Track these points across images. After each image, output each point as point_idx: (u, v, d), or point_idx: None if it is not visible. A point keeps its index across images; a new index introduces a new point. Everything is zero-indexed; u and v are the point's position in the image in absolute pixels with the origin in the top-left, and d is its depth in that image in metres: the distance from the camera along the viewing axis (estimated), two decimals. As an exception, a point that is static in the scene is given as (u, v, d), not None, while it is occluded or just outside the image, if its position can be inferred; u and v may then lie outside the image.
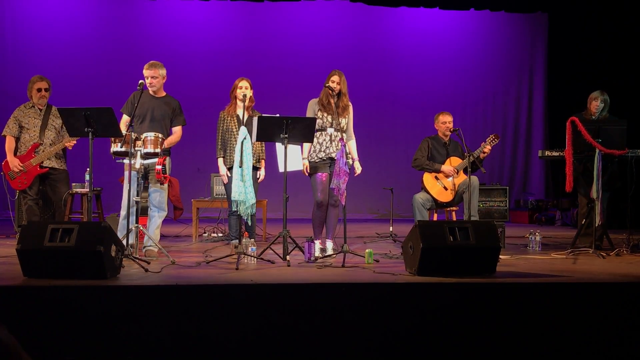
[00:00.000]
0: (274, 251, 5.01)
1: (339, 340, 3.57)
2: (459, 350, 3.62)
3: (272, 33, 11.25)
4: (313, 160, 5.44)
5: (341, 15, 11.43)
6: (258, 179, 5.89)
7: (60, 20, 10.73)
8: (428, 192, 6.20)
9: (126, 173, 5.22)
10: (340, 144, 5.15)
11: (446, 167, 6.20)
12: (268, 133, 5.05)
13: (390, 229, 7.37)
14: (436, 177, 6.23)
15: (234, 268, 4.46)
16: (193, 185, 9.29)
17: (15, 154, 5.89)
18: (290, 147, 5.17)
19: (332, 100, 5.43)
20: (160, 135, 5.08)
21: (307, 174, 5.51)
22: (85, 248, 3.79)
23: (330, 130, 5.43)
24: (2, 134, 5.97)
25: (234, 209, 5.02)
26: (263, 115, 5.50)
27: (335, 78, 5.43)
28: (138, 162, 4.93)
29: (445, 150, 6.34)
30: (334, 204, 5.45)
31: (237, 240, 5.57)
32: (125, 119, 5.33)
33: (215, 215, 7.78)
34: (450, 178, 6.20)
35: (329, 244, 5.39)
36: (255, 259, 4.87)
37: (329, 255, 5.13)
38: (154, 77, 5.34)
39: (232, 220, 6.00)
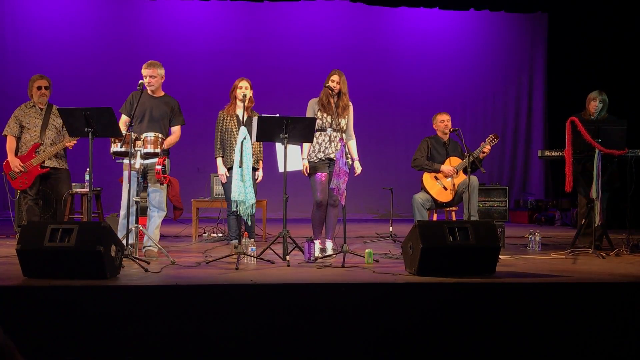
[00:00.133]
0: (274, 251, 5.01)
1: (339, 340, 3.57)
2: (458, 350, 3.62)
3: (272, 33, 11.25)
4: (312, 160, 5.45)
5: (341, 15, 11.43)
6: (256, 179, 5.88)
7: (60, 20, 10.73)
8: (428, 192, 6.20)
9: (125, 173, 5.22)
10: (340, 144, 5.15)
11: (446, 167, 6.20)
12: (268, 133, 5.05)
13: (390, 229, 7.37)
14: (436, 177, 6.24)
15: (233, 268, 4.46)
16: (193, 185, 9.29)
17: (16, 154, 5.89)
18: (290, 147, 5.17)
19: (332, 100, 5.43)
20: (160, 135, 5.08)
21: (306, 174, 5.51)
22: (85, 248, 3.79)
23: (329, 131, 5.43)
24: (3, 134, 5.97)
25: (233, 209, 5.02)
26: (263, 115, 5.50)
27: (335, 77, 5.43)
28: (138, 162, 4.93)
29: (445, 150, 6.34)
30: (334, 204, 5.45)
31: (237, 241, 5.57)
32: (124, 119, 5.33)
33: (215, 215, 7.78)
34: (450, 178, 6.21)
35: (329, 244, 5.39)
36: (255, 259, 4.87)
37: (329, 255, 5.13)
38: (152, 76, 5.34)
39: (231, 220, 6.00)
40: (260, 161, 6.02)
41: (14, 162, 5.80)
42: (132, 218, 4.97)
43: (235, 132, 5.85)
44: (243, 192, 4.95)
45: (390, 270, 4.39)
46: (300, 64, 11.04)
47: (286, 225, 5.02)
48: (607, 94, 6.16)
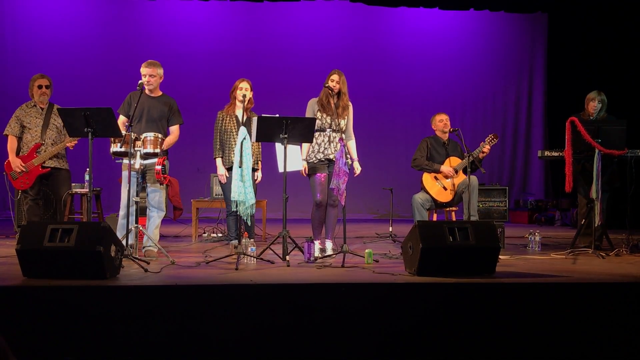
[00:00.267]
0: (274, 251, 5.01)
1: (339, 340, 3.57)
2: (458, 350, 3.62)
3: (272, 33, 11.25)
4: (312, 160, 5.44)
5: (341, 15, 11.42)
6: (255, 180, 5.88)
7: (60, 20, 10.73)
8: (427, 192, 6.20)
9: (124, 173, 5.22)
10: (339, 144, 5.15)
11: (445, 167, 6.20)
12: (268, 133, 5.05)
13: (390, 229, 7.37)
14: (435, 177, 6.24)
15: (233, 268, 4.46)
16: (193, 186, 9.28)
17: (17, 154, 5.89)
18: (290, 147, 5.17)
19: (331, 100, 5.43)
20: (159, 136, 5.08)
21: (305, 175, 5.52)
22: (85, 248, 3.79)
23: (328, 132, 5.43)
24: (4, 134, 5.97)
25: (233, 209, 5.01)
26: (263, 115, 5.50)
27: (335, 77, 5.43)
28: (138, 162, 4.93)
29: (445, 150, 6.34)
30: (333, 204, 5.45)
31: (237, 241, 5.57)
32: (122, 120, 5.33)
33: (214, 215, 7.77)
34: (450, 178, 6.21)
35: (329, 244, 5.39)
36: (255, 259, 4.87)
37: (329, 256, 5.13)
38: (152, 75, 5.34)
39: (230, 220, 6.00)
40: (259, 162, 6.02)
41: (15, 162, 5.80)
42: (132, 218, 4.97)
43: (234, 133, 5.85)
44: (243, 193, 4.95)
45: (390, 271, 4.39)
46: (300, 64, 11.04)
47: (286, 225, 5.02)
48: (606, 94, 6.16)
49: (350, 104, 5.55)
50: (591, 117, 6.07)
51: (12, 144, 5.90)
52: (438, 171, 6.22)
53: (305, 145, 5.45)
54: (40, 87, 5.92)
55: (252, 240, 5.37)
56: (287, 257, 4.81)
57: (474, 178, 5.99)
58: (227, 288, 3.77)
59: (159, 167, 5.03)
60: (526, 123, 11.93)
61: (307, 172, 5.47)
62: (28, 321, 3.41)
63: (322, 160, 5.43)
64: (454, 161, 6.27)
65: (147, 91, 5.34)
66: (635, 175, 5.62)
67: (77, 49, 10.63)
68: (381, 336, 3.60)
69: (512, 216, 10.63)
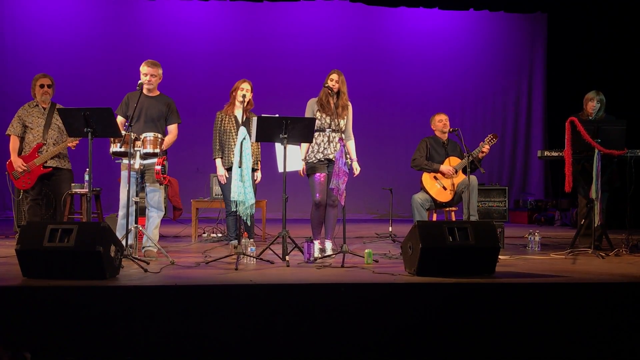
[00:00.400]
0: (273, 251, 5.01)
1: (339, 341, 3.57)
2: (458, 351, 3.62)
3: (272, 33, 11.25)
4: (311, 160, 5.45)
5: (340, 15, 11.43)
6: (255, 180, 5.88)
7: (59, 20, 10.72)
8: (427, 192, 6.20)
9: (123, 173, 5.22)
10: (339, 144, 5.15)
11: (445, 167, 6.21)
12: (267, 133, 5.05)
13: (390, 229, 7.37)
14: (435, 177, 6.24)
15: (233, 268, 4.46)
16: (192, 186, 9.29)
17: (20, 154, 5.89)
18: (290, 147, 5.17)
19: (331, 100, 5.43)
20: (159, 136, 5.08)
21: (303, 175, 5.52)
22: (85, 248, 3.79)
23: (328, 131, 5.43)
24: (6, 133, 5.98)
25: (233, 209, 5.01)
26: (262, 115, 5.50)
27: (334, 77, 5.43)
28: (137, 162, 4.93)
29: (444, 150, 6.34)
30: (333, 204, 5.45)
31: (237, 241, 5.56)
32: (120, 120, 5.32)
33: (214, 215, 7.78)
34: (449, 178, 6.21)
35: (328, 244, 5.39)
36: (255, 259, 4.87)
37: (328, 256, 5.13)
38: (153, 75, 5.33)
39: (229, 220, 6.00)
40: (259, 162, 6.02)
41: (17, 162, 5.81)
42: (132, 218, 4.97)
43: (233, 133, 5.85)
44: (242, 193, 4.94)
45: (390, 271, 4.39)
46: (299, 64, 11.04)
47: (286, 225, 5.02)
48: (606, 94, 6.16)
49: (349, 103, 5.55)
50: (590, 117, 6.07)
51: (14, 143, 5.90)
52: (437, 171, 6.22)
53: (305, 145, 5.45)
54: (42, 86, 5.93)
55: (251, 240, 5.37)
56: (287, 257, 4.81)
57: (473, 178, 5.99)
58: (226, 288, 3.77)
59: (158, 167, 5.03)
60: (526, 123, 11.94)
61: (306, 172, 5.47)
62: (28, 321, 3.41)
63: (322, 160, 5.43)
64: (454, 161, 6.27)
65: (145, 91, 5.33)
66: (634, 175, 5.62)
67: (77, 49, 10.63)
68: (381, 336, 3.60)
69: (512, 216, 10.63)
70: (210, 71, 10.86)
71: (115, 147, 4.90)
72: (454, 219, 6.34)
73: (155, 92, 5.47)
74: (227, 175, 5.87)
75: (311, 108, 5.50)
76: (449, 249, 4.13)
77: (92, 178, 4.79)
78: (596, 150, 5.47)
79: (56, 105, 5.97)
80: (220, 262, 4.82)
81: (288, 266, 4.65)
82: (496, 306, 3.78)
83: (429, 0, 11.21)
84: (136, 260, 4.45)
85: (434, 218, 6.41)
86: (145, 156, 4.99)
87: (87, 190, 4.92)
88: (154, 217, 5.35)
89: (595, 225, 5.54)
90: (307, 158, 5.46)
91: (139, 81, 5.18)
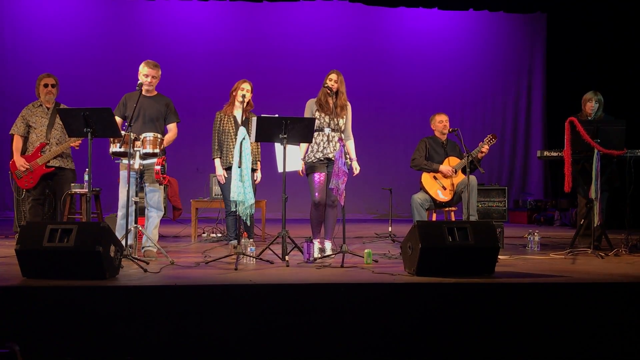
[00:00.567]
0: (273, 251, 5.01)
1: (338, 341, 3.57)
2: (458, 351, 3.62)
3: (271, 33, 11.25)
4: (310, 160, 5.45)
5: (340, 15, 11.43)
6: (255, 180, 5.88)
7: (59, 20, 10.73)
8: (427, 192, 6.20)
9: (122, 173, 5.22)
10: (339, 144, 5.15)
11: (444, 167, 6.21)
12: (267, 133, 5.05)
13: (389, 229, 7.38)
14: (435, 177, 6.24)
15: (232, 268, 4.46)
16: (192, 186, 9.27)
17: (23, 154, 5.89)
18: (289, 147, 5.17)
19: (330, 100, 5.43)
20: (159, 136, 5.08)
21: (302, 175, 5.52)
22: (84, 248, 3.79)
23: (327, 131, 5.43)
24: (10, 133, 5.98)
25: (232, 209, 5.01)
26: (262, 115, 5.50)
27: (333, 76, 5.43)
28: (137, 163, 4.93)
29: (443, 150, 6.35)
30: (332, 204, 5.45)
31: (236, 241, 5.56)
32: (118, 121, 5.31)
33: (214, 215, 7.78)
34: (449, 177, 6.21)
35: (328, 244, 5.39)
36: (254, 259, 4.87)
37: (328, 256, 5.13)
38: (154, 77, 5.34)
39: (229, 220, 6.00)
40: (258, 162, 6.02)
41: (20, 162, 5.82)
42: (131, 218, 4.97)
43: (232, 133, 5.85)
44: (242, 193, 4.94)
45: (390, 271, 4.39)
46: (299, 64, 11.04)
47: (285, 225, 5.02)
48: (606, 94, 6.17)
49: (348, 103, 5.55)
50: (589, 118, 6.07)
51: (17, 143, 5.91)
52: (437, 171, 6.22)
53: (304, 145, 5.46)
54: (46, 85, 5.93)
55: (251, 240, 5.37)
56: (287, 257, 4.81)
57: (473, 178, 5.99)
58: (226, 288, 3.77)
59: (158, 167, 5.04)
60: (525, 123, 11.95)
61: (305, 171, 5.47)
62: (27, 321, 3.41)
63: (321, 160, 5.43)
64: (453, 161, 6.27)
65: (144, 91, 5.33)
66: (634, 175, 5.63)
67: (77, 49, 10.63)
68: (380, 336, 3.60)
69: (512, 216, 10.64)
70: (210, 71, 10.86)
71: (114, 147, 4.90)
72: (453, 219, 6.35)
73: (153, 92, 5.47)
74: (226, 175, 5.88)
75: (310, 108, 5.51)
76: (448, 249, 4.14)
77: (92, 178, 4.79)
78: (595, 150, 5.47)
79: (60, 105, 5.97)
80: (219, 262, 4.82)
81: (288, 266, 4.65)
82: (496, 306, 3.78)
83: (428, 0, 11.21)
84: (136, 260, 4.45)
85: (434, 218, 6.41)
86: (145, 156, 5.00)
87: (86, 190, 4.92)
88: (154, 217, 5.35)
89: (595, 225, 5.54)
90: (306, 157, 5.47)
91: (139, 82, 5.18)
